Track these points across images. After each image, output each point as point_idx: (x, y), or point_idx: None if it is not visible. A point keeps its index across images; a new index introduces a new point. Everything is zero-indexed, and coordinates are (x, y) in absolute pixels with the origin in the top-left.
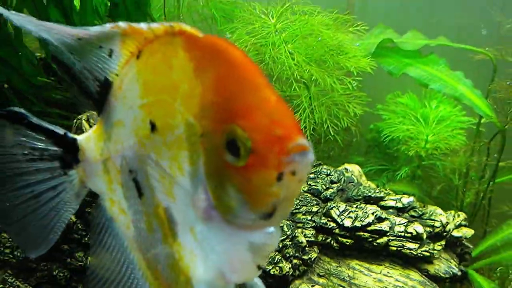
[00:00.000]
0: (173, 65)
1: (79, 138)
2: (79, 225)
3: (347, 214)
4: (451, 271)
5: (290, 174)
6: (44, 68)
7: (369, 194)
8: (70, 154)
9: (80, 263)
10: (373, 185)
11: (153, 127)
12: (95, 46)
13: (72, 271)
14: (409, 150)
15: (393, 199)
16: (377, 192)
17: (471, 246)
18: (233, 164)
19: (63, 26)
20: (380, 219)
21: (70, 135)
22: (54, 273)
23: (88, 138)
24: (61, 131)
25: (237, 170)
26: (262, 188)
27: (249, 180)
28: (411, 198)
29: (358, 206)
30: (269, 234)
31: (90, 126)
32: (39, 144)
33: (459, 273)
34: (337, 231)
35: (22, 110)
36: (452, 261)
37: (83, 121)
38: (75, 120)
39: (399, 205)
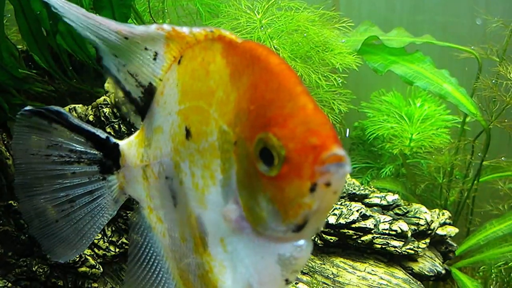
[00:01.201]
0: (210, 70)
1: (121, 143)
2: None
3: (332, 211)
4: (436, 269)
5: (324, 185)
6: (25, 61)
7: (354, 191)
8: (111, 159)
9: None
10: (357, 183)
11: (188, 133)
12: (140, 47)
13: (52, 266)
14: (394, 148)
15: (378, 197)
16: (362, 190)
17: (455, 245)
18: (265, 173)
19: (109, 21)
20: (364, 217)
21: (113, 139)
22: (33, 268)
23: (130, 144)
24: (103, 134)
25: (269, 180)
26: (294, 199)
27: (282, 190)
28: (396, 196)
29: (343, 203)
30: (299, 247)
31: None
32: (78, 146)
33: (443, 272)
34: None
35: (62, 110)
36: (436, 259)
37: None
38: None
39: (384, 202)
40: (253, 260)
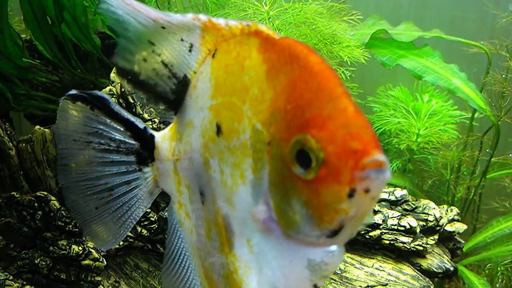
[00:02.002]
0: (246, 66)
1: (156, 135)
2: (63, 211)
3: None
4: (444, 266)
5: (363, 191)
6: (29, 50)
7: None
8: (147, 151)
9: (63, 252)
10: None
11: (218, 130)
12: (176, 38)
13: (55, 259)
14: (401, 143)
15: (385, 192)
16: None
17: (463, 242)
18: (301, 176)
19: (148, 8)
20: (373, 212)
21: (149, 130)
22: (36, 261)
23: (164, 137)
24: (141, 124)
25: (305, 183)
26: (331, 204)
27: (318, 195)
28: (404, 191)
29: None
30: (331, 252)
31: None
32: (117, 135)
33: (451, 268)
34: None
35: (105, 96)
36: (444, 256)
37: None
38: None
39: (392, 198)
40: (280, 264)
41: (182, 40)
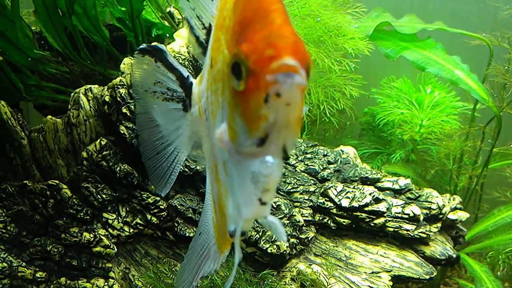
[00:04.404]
0: (227, 4)
1: (193, 82)
2: (74, 200)
3: (345, 194)
4: (447, 253)
5: (274, 95)
6: (38, 42)
7: (366, 175)
8: (188, 98)
9: (75, 239)
10: (368, 167)
11: (210, 63)
12: None
13: (66, 246)
14: (404, 134)
15: (390, 181)
16: (374, 174)
17: (465, 230)
18: (236, 88)
19: None
20: (377, 200)
21: (191, 78)
22: (47, 248)
23: (196, 83)
24: (185, 73)
25: (239, 94)
26: (255, 111)
27: (247, 103)
28: (408, 180)
29: (355, 187)
30: (265, 163)
31: (88, 100)
32: (172, 84)
33: (454, 255)
34: (334, 211)
35: (163, 47)
36: (447, 243)
37: (81, 94)
38: (72, 94)
39: (396, 186)
40: (239, 182)
41: None
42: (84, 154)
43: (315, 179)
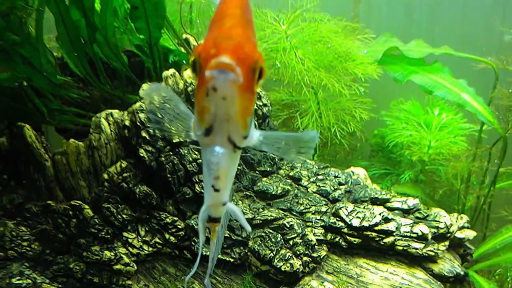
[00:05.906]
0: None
1: None
2: (96, 219)
3: (355, 214)
4: (455, 270)
5: (212, 89)
6: (60, 67)
7: (376, 195)
8: None
9: (96, 257)
10: (378, 188)
11: None
12: None
13: (88, 264)
14: (413, 155)
15: (399, 201)
16: (383, 194)
17: (473, 248)
18: (195, 83)
19: None
20: (386, 220)
21: None
22: (70, 266)
23: None
24: None
25: (196, 89)
26: (201, 103)
27: (197, 96)
28: (416, 201)
29: (366, 207)
30: (214, 151)
31: (109, 124)
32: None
33: (462, 273)
34: (345, 230)
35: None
36: (455, 261)
37: (103, 119)
38: (94, 118)
39: (405, 206)
40: (204, 170)
41: None
42: (105, 176)
43: (326, 200)
